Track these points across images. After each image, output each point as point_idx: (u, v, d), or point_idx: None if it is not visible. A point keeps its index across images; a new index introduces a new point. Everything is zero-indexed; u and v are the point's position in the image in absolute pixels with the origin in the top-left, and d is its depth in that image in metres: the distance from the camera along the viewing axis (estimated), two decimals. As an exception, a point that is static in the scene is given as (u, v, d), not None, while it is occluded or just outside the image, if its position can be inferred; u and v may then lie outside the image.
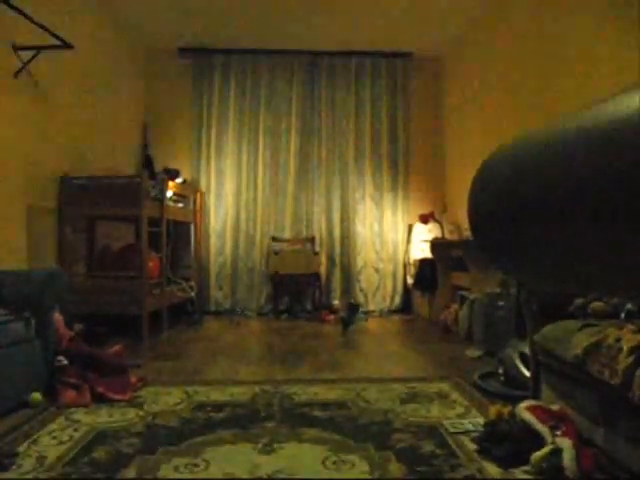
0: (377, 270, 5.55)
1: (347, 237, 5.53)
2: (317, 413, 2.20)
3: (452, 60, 5.46)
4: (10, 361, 2.23)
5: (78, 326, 3.12)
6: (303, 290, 5.39)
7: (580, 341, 1.75)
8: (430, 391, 2.51)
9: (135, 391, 2.49)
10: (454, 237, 4.78)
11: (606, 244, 0.68)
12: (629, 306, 1.98)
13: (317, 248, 5.41)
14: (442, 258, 4.71)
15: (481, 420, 2.03)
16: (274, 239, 5.38)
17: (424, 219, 5.40)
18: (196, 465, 1.69)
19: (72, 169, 3.91)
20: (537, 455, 1.60)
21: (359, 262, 5.52)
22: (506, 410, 1.90)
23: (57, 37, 3.29)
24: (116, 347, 2.82)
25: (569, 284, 1.15)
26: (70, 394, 2.34)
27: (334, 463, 1.71)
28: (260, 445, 1.85)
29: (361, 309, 4.00)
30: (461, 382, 2.66)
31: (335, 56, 5.54)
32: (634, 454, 1.53)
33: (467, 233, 4.30)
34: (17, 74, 3.26)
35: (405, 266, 5.53)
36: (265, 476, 1.62)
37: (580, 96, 3.00)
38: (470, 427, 1.99)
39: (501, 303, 3.33)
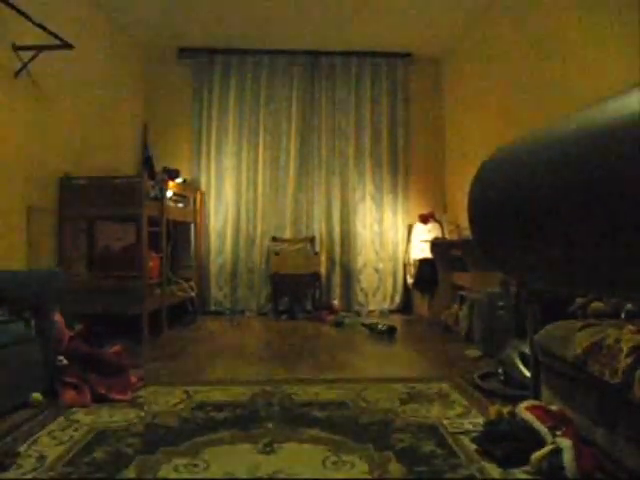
0: (377, 270, 5.54)
1: (347, 237, 5.52)
2: (317, 413, 2.20)
3: (452, 60, 5.46)
4: (10, 361, 2.23)
5: (78, 326, 3.12)
6: (303, 290, 5.39)
7: (580, 341, 1.75)
8: (430, 391, 2.51)
9: (135, 391, 2.49)
10: (454, 237, 4.78)
11: (606, 244, 0.68)
12: (629, 306, 1.98)
13: (317, 248, 5.40)
14: (442, 258, 4.71)
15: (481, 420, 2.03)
16: (274, 239, 5.38)
17: (424, 219, 5.39)
18: (196, 465, 1.69)
19: (72, 169, 3.91)
20: (537, 455, 1.60)
21: (359, 262, 5.52)
22: (506, 410, 1.90)
23: (57, 37, 3.30)
24: (116, 347, 2.82)
25: (569, 284, 1.15)
26: (70, 394, 2.34)
27: (334, 463, 1.71)
28: (260, 445, 1.85)
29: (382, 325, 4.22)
30: (461, 382, 2.66)
31: (335, 56, 5.54)
32: (634, 454, 1.53)
33: (467, 233, 4.30)
34: (17, 74, 3.27)
35: (405, 266, 5.53)
36: (265, 476, 1.62)
37: (581, 96, 3.00)
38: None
39: (501, 303, 3.32)
